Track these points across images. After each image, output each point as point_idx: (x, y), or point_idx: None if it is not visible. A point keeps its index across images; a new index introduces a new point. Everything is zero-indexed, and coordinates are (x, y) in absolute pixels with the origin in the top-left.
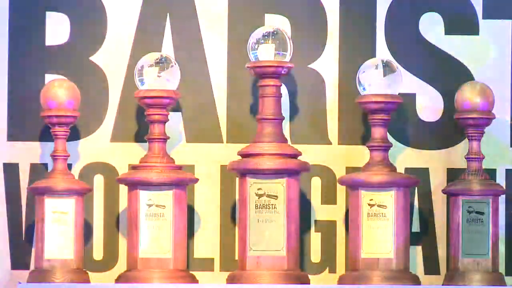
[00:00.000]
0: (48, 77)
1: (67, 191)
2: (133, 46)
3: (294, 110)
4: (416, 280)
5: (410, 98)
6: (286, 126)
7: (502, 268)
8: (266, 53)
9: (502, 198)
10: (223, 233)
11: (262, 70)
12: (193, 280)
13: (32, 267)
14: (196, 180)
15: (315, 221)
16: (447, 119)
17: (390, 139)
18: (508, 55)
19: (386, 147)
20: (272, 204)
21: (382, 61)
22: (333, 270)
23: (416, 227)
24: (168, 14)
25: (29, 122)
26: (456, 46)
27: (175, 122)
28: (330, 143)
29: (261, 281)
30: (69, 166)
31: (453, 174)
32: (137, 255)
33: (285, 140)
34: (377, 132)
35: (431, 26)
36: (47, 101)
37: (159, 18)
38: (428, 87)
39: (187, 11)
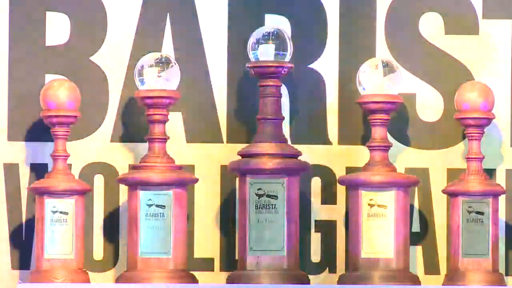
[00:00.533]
0: (48, 77)
1: (67, 191)
2: (133, 46)
3: (294, 110)
4: (416, 280)
5: (410, 98)
6: (286, 126)
7: (502, 268)
8: (266, 53)
9: (502, 198)
10: (223, 233)
11: (262, 70)
12: (193, 280)
13: (32, 267)
14: (196, 180)
15: (315, 221)
16: (447, 119)
17: (390, 139)
18: (508, 55)
19: (386, 147)
20: (272, 204)
21: (382, 61)
22: (333, 270)
23: (416, 227)
24: (168, 14)
25: (29, 122)
26: (456, 46)
27: (175, 122)
28: (330, 143)
29: (261, 281)
30: (69, 166)
31: (453, 174)
32: (137, 255)
33: (285, 140)
34: (377, 132)
35: (431, 26)
36: (47, 101)
37: (159, 18)
38: (428, 87)
39: (187, 11)
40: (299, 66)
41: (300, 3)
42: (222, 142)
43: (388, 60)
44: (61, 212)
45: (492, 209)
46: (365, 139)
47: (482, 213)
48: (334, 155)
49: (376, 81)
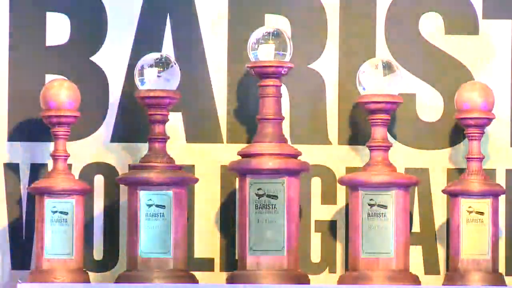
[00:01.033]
0: (48, 77)
1: (67, 191)
2: (133, 46)
3: (294, 110)
4: (416, 280)
5: (410, 98)
6: (286, 126)
7: (502, 268)
8: (266, 53)
9: (502, 198)
10: (223, 233)
11: (262, 70)
12: (193, 280)
13: (32, 267)
14: (196, 180)
15: (315, 221)
16: (447, 119)
17: (390, 139)
18: (508, 55)
19: (386, 147)
20: (272, 204)
21: (382, 61)
22: (333, 270)
23: (416, 227)
24: (168, 14)
25: (29, 122)
26: (456, 46)
27: (175, 122)
28: (330, 143)
29: (261, 281)
30: (69, 166)
31: (453, 174)
32: (137, 255)
33: (285, 140)
34: (377, 132)
35: (431, 26)
36: (47, 101)
37: (159, 18)
38: (428, 87)
39: (187, 11)
40: (299, 66)
41: (300, 3)
42: (222, 142)
43: (388, 60)
44: (61, 212)
45: (492, 209)
46: (365, 139)
47: (482, 213)
48: (334, 155)
49: (376, 81)
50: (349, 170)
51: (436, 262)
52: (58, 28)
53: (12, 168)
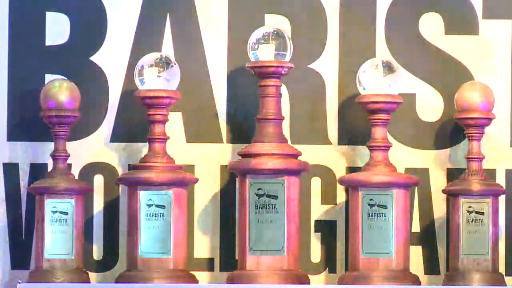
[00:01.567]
0: (48, 77)
1: (67, 191)
2: (133, 46)
3: (294, 110)
4: (416, 280)
5: (410, 98)
6: (286, 126)
7: (502, 268)
8: (266, 53)
9: (502, 198)
10: (223, 233)
11: (262, 70)
12: (193, 280)
13: (32, 267)
14: (196, 180)
15: (315, 221)
16: (447, 119)
17: (390, 139)
18: (508, 55)
19: (386, 147)
20: (272, 204)
21: (382, 61)
22: (333, 270)
23: (416, 227)
24: (168, 14)
25: (29, 122)
26: (456, 46)
27: (175, 122)
28: (330, 143)
29: (261, 281)
30: (69, 166)
31: (453, 174)
32: (137, 255)
33: (285, 140)
34: (377, 132)
35: (431, 26)
36: (47, 101)
37: (159, 18)
38: (428, 87)
39: (187, 11)
40: (299, 66)
41: (300, 3)
42: (222, 142)
43: (388, 60)
44: (61, 212)
45: (492, 209)
46: (365, 139)
47: (482, 213)
48: (334, 155)
49: (376, 81)
50: (349, 170)
51: (436, 262)
52: (57, 28)
53: (12, 168)
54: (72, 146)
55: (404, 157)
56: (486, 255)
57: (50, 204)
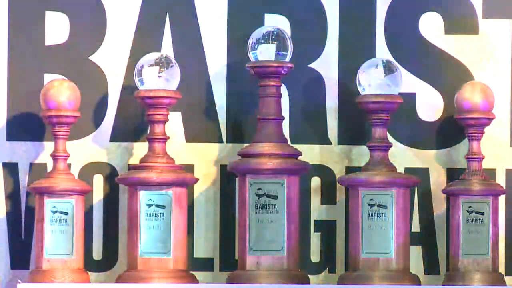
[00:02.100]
0: (48, 77)
1: (67, 191)
2: (133, 46)
3: (294, 110)
4: (416, 280)
5: (410, 98)
6: (286, 126)
7: (502, 268)
8: (266, 53)
9: (502, 198)
10: (223, 233)
11: (262, 70)
12: (193, 280)
13: (32, 267)
14: (196, 180)
15: (315, 221)
16: (447, 119)
17: (390, 139)
18: (508, 55)
19: (386, 147)
20: (272, 204)
21: (382, 61)
22: (333, 270)
23: (416, 227)
24: (168, 14)
25: (29, 122)
26: (456, 46)
27: (175, 122)
28: (330, 143)
29: (261, 281)
30: (69, 166)
31: (453, 174)
32: (137, 255)
33: (285, 140)
34: (377, 132)
35: (431, 26)
36: (47, 101)
37: (159, 18)
38: (428, 87)
39: (187, 11)
40: (299, 66)
41: (300, 3)
42: (222, 142)
43: (388, 60)
44: (61, 212)
45: (492, 209)
46: (365, 139)
47: (482, 213)
48: (334, 155)
49: (376, 81)
50: (349, 170)
51: (436, 262)
52: (57, 27)
53: (11, 168)
54: (72, 146)
55: (404, 157)
56: (486, 255)
57: (50, 204)
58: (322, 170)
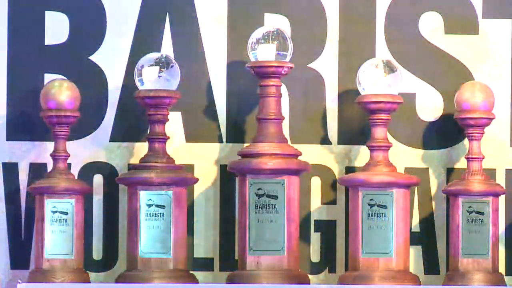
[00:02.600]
0: (48, 77)
1: (67, 191)
2: (133, 46)
3: (294, 110)
4: (416, 280)
5: (410, 98)
6: (286, 126)
7: (502, 268)
8: (266, 53)
9: (502, 198)
10: (223, 233)
11: (262, 70)
12: (193, 280)
13: (32, 267)
14: (196, 180)
15: (315, 221)
16: (447, 119)
17: (390, 139)
18: (508, 55)
19: (386, 147)
20: (272, 204)
21: (382, 61)
22: (333, 270)
23: (416, 227)
24: (168, 14)
25: (29, 122)
26: (456, 46)
27: (175, 122)
28: (330, 143)
29: (261, 281)
30: (69, 166)
31: (453, 174)
32: (137, 255)
33: (285, 140)
34: (377, 132)
35: (431, 26)
36: (47, 101)
37: (158, 18)
38: (428, 87)
39: (187, 11)
40: (299, 66)
41: (300, 3)
42: (222, 142)
43: (388, 60)
44: (61, 212)
45: (492, 209)
46: (365, 139)
47: (482, 213)
48: (334, 155)
49: (376, 81)
50: (349, 170)
51: (436, 262)
52: (57, 27)
53: (11, 168)
54: (72, 146)
55: (404, 157)
56: (486, 255)
57: (50, 204)
58: (322, 170)
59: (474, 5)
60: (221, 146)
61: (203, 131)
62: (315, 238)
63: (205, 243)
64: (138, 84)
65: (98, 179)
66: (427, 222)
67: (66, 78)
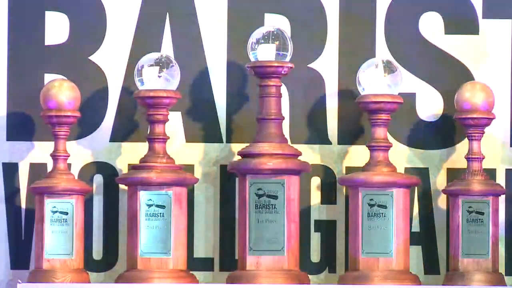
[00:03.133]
0: (48, 77)
1: (67, 191)
2: (133, 46)
3: (294, 110)
4: (416, 280)
5: (410, 98)
6: (286, 126)
7: (502, 268)
8: (266, 53)
9: (502, 198)
10: (223, 233)
11: (262, 70)
12: (193, 280)
13: (32, 267)
14: (196, 180)
15: (315, 221)
16: (447, 119)
17: (390, 139)
18: (508, 55)
19: (386, 147)
20: (272, 204)
21: (382, 61)
22: (333, 270)
23: (416, 227)
24: (168, 14)
25: (29, 122)
26: (456, 46)
27: (175, 122)
28: (330, 143)
29: (261, 281)
30: (69, 166)
31: (453, 174)
32: (137, 255)
33: (285, 140)
34: (377, 132)
35: (431, 26)
36: (47, 101)
37: (159, 18)
38: (428, 87)
39: (187, 11)
40: (299, 66)
41: (300, 3)
42: (222, 142)
43: (388, 60)
44: (61, 212)
45: (492, 209)
46: (365, 139)
47: (482, 213)
48: (334, 155)
49: (376, 81)
50: (349, 170)
51: (436, 262)
52: (57, 27)
53: (11, 168)
54: (72, 146)
55: (404, 157)
56: (486, 255)
57: (50, 204)
58: (322, 170)
59: (474, 5)
60: (221, 146)
61: (203, 131)
62: (315, 238)
63: (205, 243)
64: (138, 84)
65: (98, 179)
66: (427, 222)
67: (66, 78)
